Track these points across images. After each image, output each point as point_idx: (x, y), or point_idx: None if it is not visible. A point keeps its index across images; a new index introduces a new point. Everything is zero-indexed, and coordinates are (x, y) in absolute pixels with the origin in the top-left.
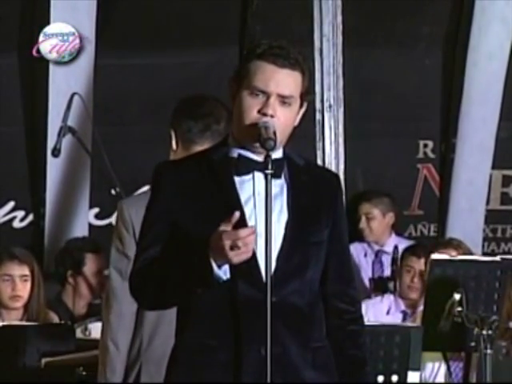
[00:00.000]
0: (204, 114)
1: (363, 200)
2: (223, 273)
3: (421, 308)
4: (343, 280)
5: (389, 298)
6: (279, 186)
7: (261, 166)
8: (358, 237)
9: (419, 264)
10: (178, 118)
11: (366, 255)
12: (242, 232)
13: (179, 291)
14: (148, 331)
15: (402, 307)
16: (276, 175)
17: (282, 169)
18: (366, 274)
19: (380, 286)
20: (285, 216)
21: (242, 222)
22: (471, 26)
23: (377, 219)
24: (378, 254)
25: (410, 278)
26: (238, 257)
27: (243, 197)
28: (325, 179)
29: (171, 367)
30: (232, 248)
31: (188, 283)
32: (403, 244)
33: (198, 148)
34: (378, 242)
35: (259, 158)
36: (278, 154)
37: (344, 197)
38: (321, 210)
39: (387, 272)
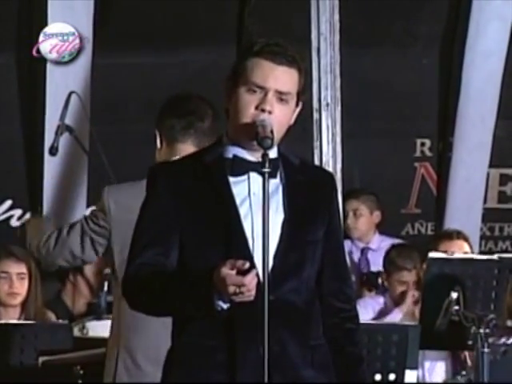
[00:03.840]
0: (187, 112)
1: (351, 197)
2: (223, 303)
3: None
4: (339, 278)
5: (379, 300)
6: (275, 185)
7: (256, 166)
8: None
9: (411, 275)
10: (162, 116)
11: (351, 253)
12: (247, 279)
13: (176, 312)
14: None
15: (394, 302)
16: (272, 175)
17: (277, 168)
18: (353, 271)
19: (369, 283)
20: (281, 215)
21: (237, 223)
22: (469, 25)
23: (364, 216)
24: (363, 252)
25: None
26: (239, 299)
27: (238, 197)
28: (320, 179)
29: (169, 367)
30: (235, 293)
31: (187, 308)
32: (387, 242)
33: (181, 146)
34: (362, 240)
35: (254, 158)
36: (273, 153)
37: (341, 196)
38: (317, 210)
39: (374, 269)
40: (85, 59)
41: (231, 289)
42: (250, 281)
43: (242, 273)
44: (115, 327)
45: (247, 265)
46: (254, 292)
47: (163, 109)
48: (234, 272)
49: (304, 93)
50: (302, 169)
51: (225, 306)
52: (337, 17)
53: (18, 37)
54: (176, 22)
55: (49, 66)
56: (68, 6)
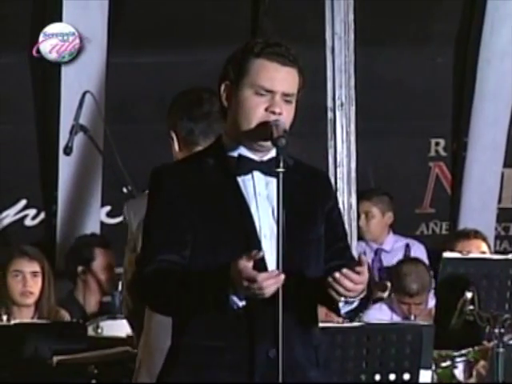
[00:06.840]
0: (204, 114)
1: (363, 198)
2: (239, 299)
3: (428, 307)
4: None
5: (385, 309)
6: (275, 185)
7: (260, 166)
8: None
9: (413, 299)
10: (175, 118)
11: (364, 254)
12: (260, 276)
13: (192, 311)
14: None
15: (401, 315)
16: (273, 174)
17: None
18: None
19: (382, 284)
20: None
21: (250, 222)
22: (483, 24)
23: (376, 218)
24: (377, 253)
25: (407, 310)
26: (253, 295)
27: (246, 197)
28: (315, 177)
29: (170, 368)
30: (248, 288)
31: (203, 305)
32: (402, 242)
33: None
34: (376, 241)
35: (257, 158)
36: (272, 153)
37: (355, 195)
38: (315, 208)
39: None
40: (99, 58)
41: (244, 283)
42: (264, 279)
43: (260, 269)
44: (146, 326)
45: (260, 254)
46: (267, 291)
47: (174, 109)
48: (250, 265)
49: (302, 90)
50: (297, 169)
51: (240, 304)
52: (351, 16)
53: (31, 36)
54: (190, 21)
55: (63, 66)
56: (82, 5)
